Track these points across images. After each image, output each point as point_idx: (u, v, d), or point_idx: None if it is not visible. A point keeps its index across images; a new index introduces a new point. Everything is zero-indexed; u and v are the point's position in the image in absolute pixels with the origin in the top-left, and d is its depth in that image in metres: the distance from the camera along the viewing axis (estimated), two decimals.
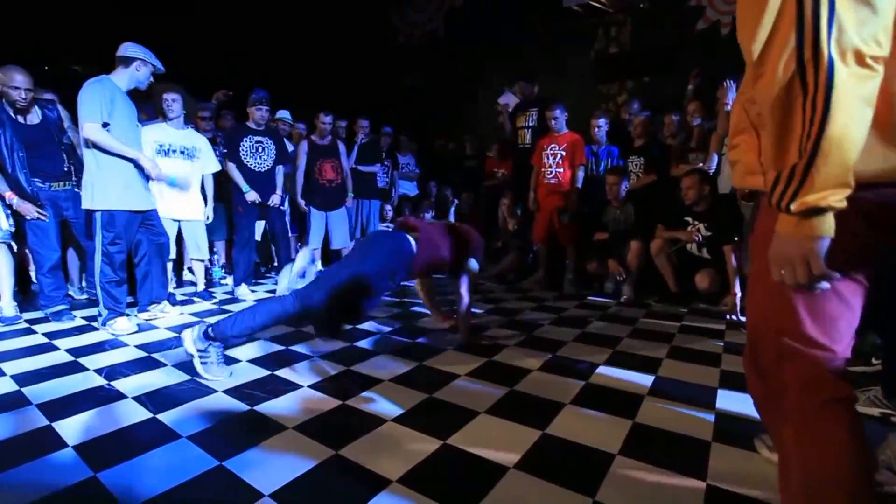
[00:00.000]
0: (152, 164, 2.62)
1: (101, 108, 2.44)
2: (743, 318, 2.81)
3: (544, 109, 4.21)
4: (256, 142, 3.70)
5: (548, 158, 4.00)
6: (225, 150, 3.60)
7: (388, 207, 5.24)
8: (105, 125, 2.48)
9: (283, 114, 4.56)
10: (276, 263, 4.82)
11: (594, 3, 5.29)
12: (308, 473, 1.31)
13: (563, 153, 3.93)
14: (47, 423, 1.59)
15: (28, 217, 2.79)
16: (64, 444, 1.44)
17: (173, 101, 3.18)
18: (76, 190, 2.88)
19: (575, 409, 1.68)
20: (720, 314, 3.02)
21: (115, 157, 2.55)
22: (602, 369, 2.06)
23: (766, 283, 0.83)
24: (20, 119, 2.75)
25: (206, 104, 4.07)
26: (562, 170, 3.95)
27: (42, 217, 2.81)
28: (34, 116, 2.81)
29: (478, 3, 6.15)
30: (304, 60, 6.48)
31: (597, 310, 3.19)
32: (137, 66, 2.59)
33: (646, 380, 1.94)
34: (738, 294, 2.91)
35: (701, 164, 3.43)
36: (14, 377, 1.97)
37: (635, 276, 3.50)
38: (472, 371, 2.07)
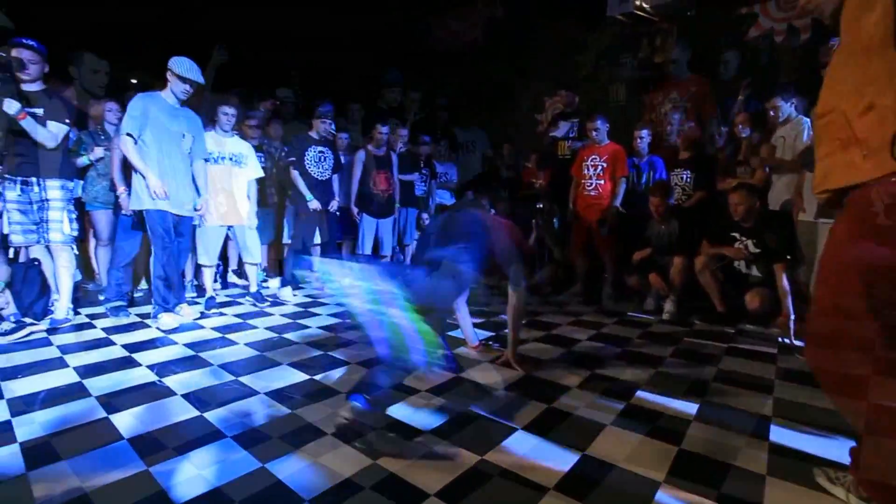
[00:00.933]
0: (156, 183, 2.76)
1: (131, 121, 2.72)
2: (797, 342, 2.65)
3: (585, 120, 4.14)
4: (319, 151, 3.93)
5: (588, 170, 3.93)
6: (292, 159, 3.83)
7: (426, 216, 5.27)
8: (134, 137, 2.72)
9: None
10: None
11: (639, 12, 5.18)
12: (346, 482, 1.33)
13: (604, 165, 3.86)
14: (105, 415, 1.69)
15: (124, 212, 3.10)
16: (120, 437, 1.53)
17: (233, 116, 3.40)
18: None
19: (616, 431, 1.65)
20: (771, 337, 2.85)
21: (149, 162, 2.80)
22: (644, 390, 1.99)
23: (833, 275, 1.10)
24: None
25: (254, 113, 4.25)
26: (602, 181, 3.87)
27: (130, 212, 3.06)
28: None
29: (518, 12, 6.14)
30: (342, 69, 6.66)
31: (637, 327, 3.10)
32: (172, 81, 2.84)
33: (691, 404, 1.86)
34: (792, 316, 2.73)
35: (749, 179, 3.28)
36: (76, 369, 2.11)
37: (678, 292, 3.36)
38: (509, 385, 2.06)
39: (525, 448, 1.53)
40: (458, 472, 1.38)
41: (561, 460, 1.45)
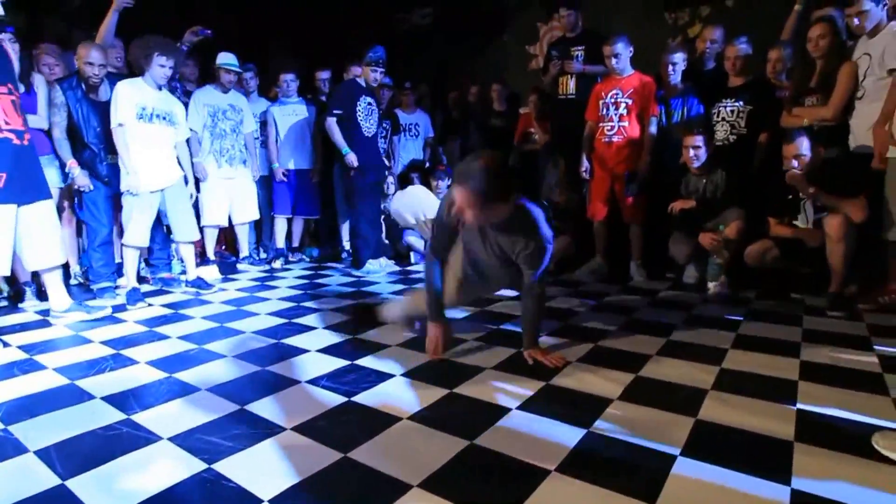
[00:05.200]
0: None
1: None
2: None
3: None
4: (368, 103, 4.29)
5: (607, 109, 3.74)
6: (338, 111, 4.14)
7: (390, 180, 4.90)
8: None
9: (228, 58, 4.16)
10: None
11: None
12: (312, 477, 1.44)
13: (629, 101, 3.70)
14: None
15: (78, 187, 3.48)
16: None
17: (170, 69, 3.44)
18: None
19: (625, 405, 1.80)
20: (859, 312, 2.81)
21: None
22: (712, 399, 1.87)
23: None
24: (91, 95, 3.54)
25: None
26: (626, 123, 3.78)
27: (88, 187, 3.50)
28: (105, 93, 3.54)
29: None
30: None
31: (678, 308, 3.08)
32: None
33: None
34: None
35: (820, 110, 3.05)
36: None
37: (729, 262, 3.23)
38: (498, 364, 2.22)
39: (522, 430, 1.66)
40: (445, 460, 1.49)
41: (563, 439, 1.58)
